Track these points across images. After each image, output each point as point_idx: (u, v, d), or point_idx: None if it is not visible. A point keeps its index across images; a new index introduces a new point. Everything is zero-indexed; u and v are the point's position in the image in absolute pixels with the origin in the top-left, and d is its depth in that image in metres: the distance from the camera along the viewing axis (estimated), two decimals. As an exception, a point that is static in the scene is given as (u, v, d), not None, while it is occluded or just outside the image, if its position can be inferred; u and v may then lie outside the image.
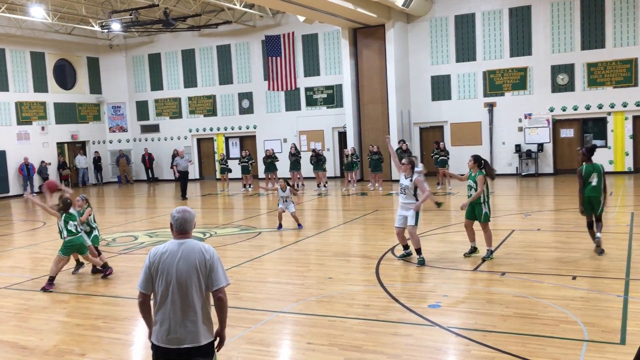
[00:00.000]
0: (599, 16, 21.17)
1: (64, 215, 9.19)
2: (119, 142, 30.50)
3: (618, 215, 13.43)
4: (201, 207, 19.42)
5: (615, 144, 21.55)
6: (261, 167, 24.37)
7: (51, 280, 8.93)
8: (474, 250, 9.73)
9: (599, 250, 9.33)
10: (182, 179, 20.70)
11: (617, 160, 21.58)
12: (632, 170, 21.32)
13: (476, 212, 9.40)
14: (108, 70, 30.06)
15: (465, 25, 23.19)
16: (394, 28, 22.88)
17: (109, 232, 13.94)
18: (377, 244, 11.33)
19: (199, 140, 29.41)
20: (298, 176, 22.72)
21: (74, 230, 9.18)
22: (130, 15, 23.97)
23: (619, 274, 8.16)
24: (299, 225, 13.39)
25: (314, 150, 22.38)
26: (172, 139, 29.55)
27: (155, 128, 30.04)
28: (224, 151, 27.94)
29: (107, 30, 25.91)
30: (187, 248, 3.93)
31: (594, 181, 9.37)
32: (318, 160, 21.87)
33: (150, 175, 29.52)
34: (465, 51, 23.30)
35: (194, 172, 29.39)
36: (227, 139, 28.68)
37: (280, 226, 13.36)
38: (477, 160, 9.58)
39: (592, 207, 9.43)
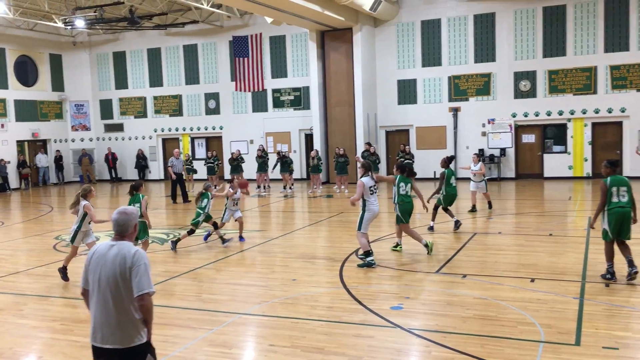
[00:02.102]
0: (560, 25, 21.71)
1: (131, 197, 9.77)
2: (82, 140, 29.92)
3: (576, 220, 13.78)
4: (165, 207, 19.18)
5: (575, 149, 22.11)
6: (227, 168, 24.23)
7: None
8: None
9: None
10: (178, 181, 19.33)
11: (577, 165, 22.13)
12: (590, 175, 21.89)
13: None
14: (71, 67, 29.48)
15: (431, 31, 23.49)
16: (361, 31, 23.04)
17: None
18: (341, 246, 11.38)
19: (164, 140, 29.06)
20: (265, 177, 22.65)
21: None
22: (95, 12, 23.57)
23: (576, 277, 8.39)
24: (241, 237, 11.98)
25: (279, 153, 22.36)
26: (136, 139, 29.14)
27: (119, 127, 29.57)
28: (190, 151, 27.71)
29: (70, 27, 25.42)
30: (114, 252, 3.95)
31: (454, 182, 12.37)
32: (283, 163, 21.81)
33: (114, 175, 29.04)
34: (431, 56, 23.60)
35: (158, 172, 29.05)
36: (193, 139, 28.43)
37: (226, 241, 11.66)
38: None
39: (452, 201, 12.42)
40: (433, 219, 12.38)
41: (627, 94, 21.10)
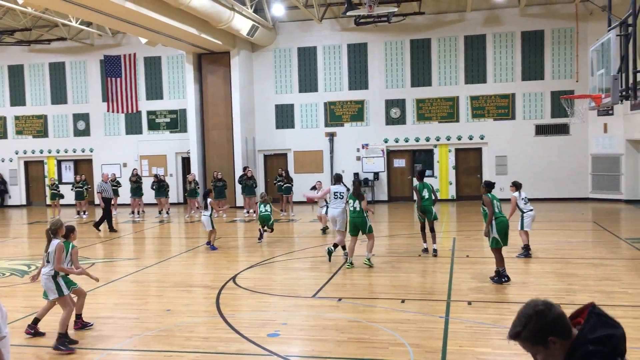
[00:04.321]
0: (426, 56, 23.21)
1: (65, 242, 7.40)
2: None
3: (442, 241, 14.61)
4: (28, 236, 17.86)
5: (441, 173, 23.57)
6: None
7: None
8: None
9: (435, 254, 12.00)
10: (108, 207, 17.66)
11: (442, 188, 23.57)
12: (455, 198, 23.42)
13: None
14: None
15: (307, 58, 24.12)
16: (239, 56, 23.12)
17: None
18: (219, 272, 11.22)
19: (26, 163, 27.11)
20: (139, 202, 21.79)
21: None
22: (-53, 23, 21.66)
23: (442, 296, 8.89)
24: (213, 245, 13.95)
25: (156, 176, 21.70)
26: (-6, 161, 26.93)
27: (-26, 149, 27.19)
28: (56, 175, 26.05)
29: None
30: None
31: (426, 195, 12.00)
32: (160, 187, 21.20)
33: (-33, 201, 26.57)
34: (308, 82, 24.20)
35: (19, 197, 27.02)
36: (59, 162, 26.79)
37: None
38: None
39: (425, 215, 12.03)
40: (424, 241, 12.40)
41: (486, 123, 22.94)
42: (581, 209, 19.78)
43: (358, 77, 23.82)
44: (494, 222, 9.35)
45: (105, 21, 18.22)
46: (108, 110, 25.58)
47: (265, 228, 14.38)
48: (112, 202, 21.55)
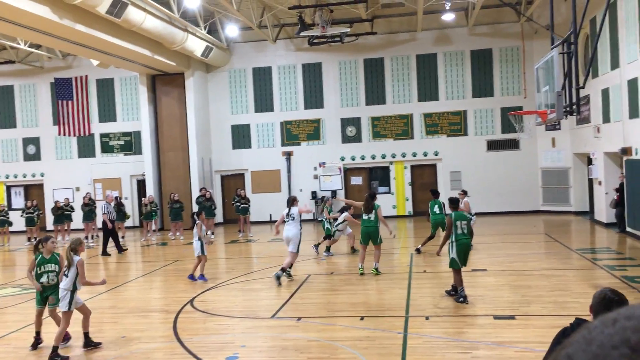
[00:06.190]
0: (379, 75, 23.59)
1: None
2: None
3: (400, 257, 14.79)
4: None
5: (397, 190, 23.87)
6: (49, 219, 22.44)
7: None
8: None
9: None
10: (113, 230, 17.30)
11: (399, 205, 23.86)
12: (412, 214, 23.72)
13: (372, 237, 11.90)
14: None
15: (262, 78, 24.19)
16: (193, 77, 23.02)
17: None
18: (176, 296, 11.05)
19: (-27, 190, 26.19)
20: (93, 227, 21.27)
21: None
22: None
23: (400, 312, 8.97)
24: (202, 276, 12.24)
25: (116, 199, 21.12)
26: (-61, 188, 25.91)
27: None
28: (5, 201, 25.23)
29: None
30: None
31: (437, 210, 13.78)
32: (119, 211, 20.58)
33: None
34: (264, 102, 24.24)
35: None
36: (8, 187, 25.98)
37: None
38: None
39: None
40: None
41: (439, 139, 23.39)
42: (533, 222, 20.30)
43: (313, 97, 24.01)
44: (454, 243, 9.24)
45: (56, 43, 17.87)
46: (59, 134, 25.03)
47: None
48: (60, 228, 21.03)
